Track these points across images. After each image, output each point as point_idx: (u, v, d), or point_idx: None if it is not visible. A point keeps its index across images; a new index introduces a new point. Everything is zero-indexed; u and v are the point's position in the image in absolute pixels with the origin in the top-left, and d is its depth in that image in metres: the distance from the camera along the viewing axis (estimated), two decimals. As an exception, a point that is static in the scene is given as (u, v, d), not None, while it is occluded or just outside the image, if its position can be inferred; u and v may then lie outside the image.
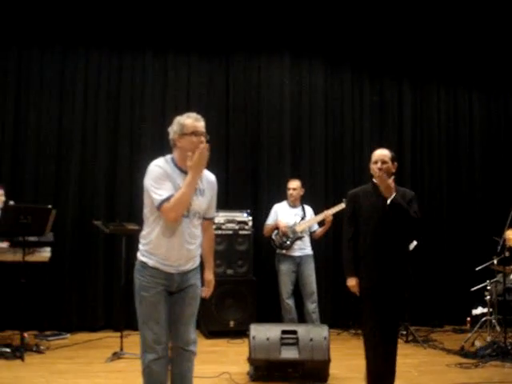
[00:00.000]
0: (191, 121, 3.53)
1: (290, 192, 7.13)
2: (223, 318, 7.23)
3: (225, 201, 7.51)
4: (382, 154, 4.40)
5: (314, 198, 7.82)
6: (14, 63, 7.64)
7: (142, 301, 3.52)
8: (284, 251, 6.97)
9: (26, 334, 6.16)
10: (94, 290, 7.60)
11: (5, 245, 6.11)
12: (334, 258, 7.85)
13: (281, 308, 6.98)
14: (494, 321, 6.94)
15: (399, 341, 4.67)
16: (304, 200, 7.28)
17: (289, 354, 5.19)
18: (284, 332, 5.27)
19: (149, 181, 3.47)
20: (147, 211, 3.56)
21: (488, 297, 7.05)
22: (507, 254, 6.70)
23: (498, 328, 6.85)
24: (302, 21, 8.31)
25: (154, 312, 3.48)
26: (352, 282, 4.37)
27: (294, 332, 5.29)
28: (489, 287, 7.09)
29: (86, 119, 7.78)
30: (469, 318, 7.98)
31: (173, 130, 3.57)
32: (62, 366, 5.71)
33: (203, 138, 3.49)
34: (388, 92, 8.71)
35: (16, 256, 5.99)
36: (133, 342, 5.73)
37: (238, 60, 8.30)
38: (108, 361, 5.90)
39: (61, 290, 7.47)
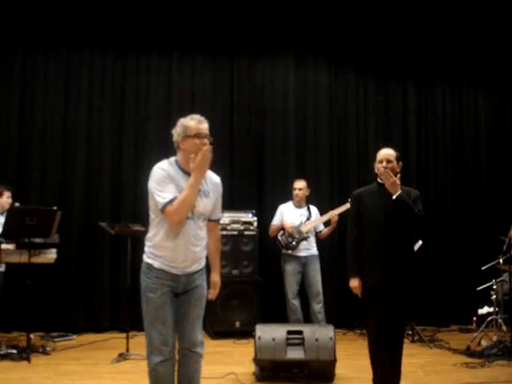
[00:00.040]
0: (194, 123, 3.53)
1: (296, 192, 7.13)
2: (229, 318, 7.24)
3: (230, 201, 7.51)
4: (387, 153, 4.39)
5: (319, 198, 7.80)
6: (19, 64, 7.67)
7: (148, 302, 3.52)
8: (290, 251, 6.96)
9: (32, 336, 6.18)
10: (99, 291, 7.62)
11: (11, 246, 6.13)
12: (340, 258, 7.85)
13: (286, 308, 6.98)
14: (500, 320, 6.92)
15: (405, 341, 4.67)
16: (309, 200, 7.27)
17: (294, 354, 5.19)
18: (290, 332, 5.27)
19: (152, 183, 3.48)
20: (152, 213, 3.57)
21: (494, 296, 7.03)
22: (513, 253, 6.70)
23: (504, 327, 6.83)
24: (306, 21, 8.31)
25: (160, 313, 3.48)
26: (355, 283, 4.36)
27: (300, 332, 5.28)
28: (495, 286, 7.06)
29: (90, 120, 7.80)
30: (475, 318, 7.95)
31: (176, 132, 3.57)
32: (68, 367, 5.72)
33: (206, 140, 3.49)
34: (392, 92, 8.69)
35: (22, 257, 6.01)
36: (139, 342, 5.73)
37: (242, 60, 8.30)
38: (114, 362, 5.91)
39: (67, 291, 7.50)
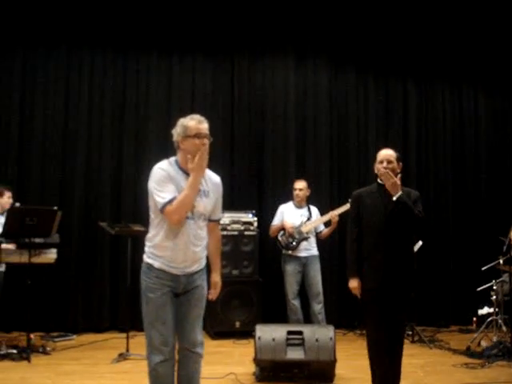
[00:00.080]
0: (194, 123, 3.53)
1: (297, 192, 7.13)
2: (229, 318, 7.24)
3: (230, 201, 7.50)
4: (387, 153, 4.38)
5: (319, 199, 7.80)
6: (19, 64, 7.67)
7: (148, 302, 3.52)
8: (290, 252, 6.96)
9: (32, 336, 6.18)
10: (99, 291, 7.62)
11: (11, 246, 6.13)
12: (340, 258, 7.85)
13: (286, 309, 6.98)
14: (500, 321, 6.92)
15: (405, 341, 4.66)
16: (309, 200, 7.27)
17: (295, 354, 5.19)
18: (290, 333, 5.27)
19: (152, 183, 3.49)
20: (152, 214, 3.57)
21: (494, 297, 7.03)
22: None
23: (504, 328, 6.84)
24: (306, 21, 8.31)
25: (160, 313, 3.48)
26: (354, 284, 4.35)
27: (300, 333, 5.29)
28: (495, 287, 7.07)
29: (90, 120, 7.80)
30: (475, 318, 7.95)
31: (176, 132, 3.57)
32: (68, 367, 5.73)
33: (206, 140, 3.49)
34: (393, 92, 8.69)
35: (22, 257, 6.01)
36: (139, 342, 5.73)
37: (242, 60, 8.30)
38: (114, 362, 5.91)
39: (67, 291, 7.50)
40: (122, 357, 6.00)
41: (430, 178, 8.66)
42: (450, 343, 7.09)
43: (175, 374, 3.57)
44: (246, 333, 6.73)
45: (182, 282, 3.54)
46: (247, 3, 8.16)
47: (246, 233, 7.49)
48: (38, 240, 6.15)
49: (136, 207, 7.61)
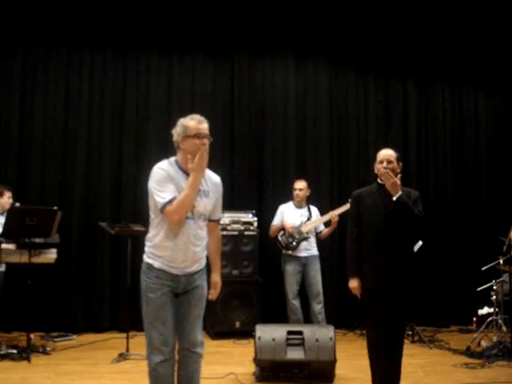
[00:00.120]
0: (194, 123, 3.52)
1: (297, 192, 7.13)
2: (229, 318, 7.24)
3: (230, 201, 7.50)
4: (387, 153, 4.38)
5: (319, 199, 7.80)
6: (19, 64, 7.67)
7: (148, 302, 3.52)
8: (290, 252, 6.96)
9: (32, 336, 6.18)
10: (99, 291, 7.62)
11: (11, 246, 6.13)
12: (340, 258, 7.85)
13: (286, 309, 6.97)
14: (500, 321, 6.92)
15: (405, 341, 4.66)
16: (309, 200, 7.27)
17: (295, 354, 5.19)
18: (290, 333, 5.27)
19: (152, 183, 3.49)
20: (152, 214, 3.57)
21: (494, 297, 7.03)
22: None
23: (504, 328, 6.84)
24: (306, 21, 8.31)
25: (160, 313, 3.48)
26: (354, 284, 4.35)
27: (300, 333, 5.28)
28: (495, 287, 7.07)
29: (90, 120, 7.80)
30: (475, 318, 7.96)
31: (176, 132, 3.57)
32: (68, 367, 5.73)
33: (206, 140, 3.49)
34: (393, 92, 8.69)
35: (22, 257, 6.01)
36: (139, 342, 5.73)
37: (242, 60, 8.30)
38: (114, 362, 5.91)
39: (67, 291, 7.50)
40: (122, 357, 6.00)
41: (430, 178, 8.66)
42: (450, 343, 7.09)
43: (175, 374, 3.57)
44: (246, 333, 6.73)
45: (182, 281, 3.54)
46: (247, 3, 8.15)
47: (246, 233, 7.49)
48: (38, 240, 6.15)
49: (136, 207, 7.61)
